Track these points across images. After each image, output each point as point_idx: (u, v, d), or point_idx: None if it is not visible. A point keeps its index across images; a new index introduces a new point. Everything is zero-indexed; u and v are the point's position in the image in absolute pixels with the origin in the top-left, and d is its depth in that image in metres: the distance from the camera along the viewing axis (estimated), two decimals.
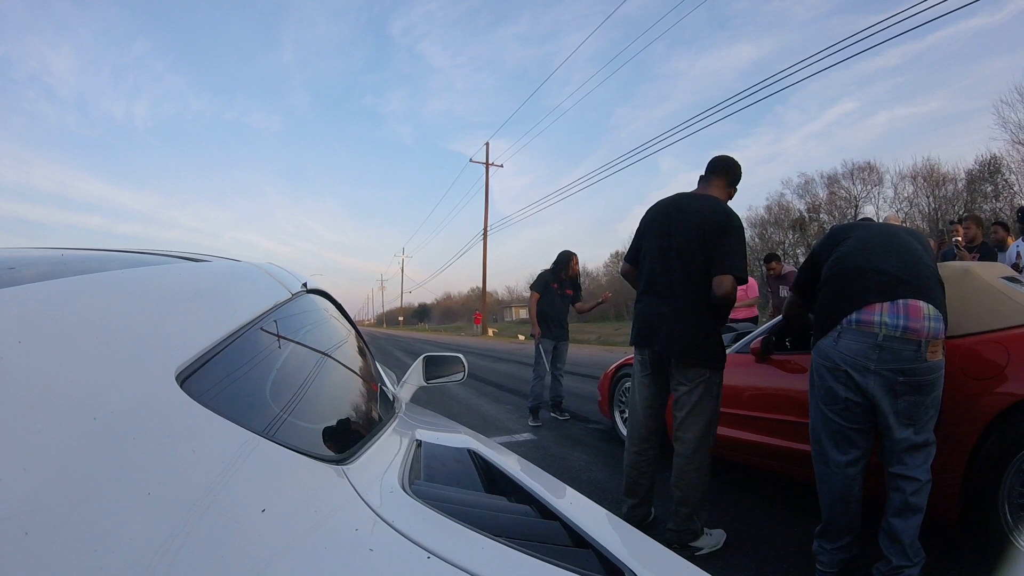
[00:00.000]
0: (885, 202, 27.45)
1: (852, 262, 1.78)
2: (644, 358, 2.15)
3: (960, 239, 4.49)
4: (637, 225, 2.28)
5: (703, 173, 2.23)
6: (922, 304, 1.64)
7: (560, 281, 4.55)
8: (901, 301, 1.65)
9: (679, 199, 2.14)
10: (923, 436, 1.65)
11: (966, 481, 1.75)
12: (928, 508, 1.67)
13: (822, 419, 1.79)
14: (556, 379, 4.57)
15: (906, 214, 25.73)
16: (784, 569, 1.88)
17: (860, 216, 26.81)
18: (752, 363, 2.65)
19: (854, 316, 1.69)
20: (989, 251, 4.51)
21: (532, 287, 4.62)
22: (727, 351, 2.95)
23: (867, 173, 28.25)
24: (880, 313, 1.65)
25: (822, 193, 30.01)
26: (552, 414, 4.59)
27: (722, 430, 2.75)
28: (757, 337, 2.70)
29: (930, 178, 25.93)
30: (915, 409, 1.63)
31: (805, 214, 30.41)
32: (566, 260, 4.58)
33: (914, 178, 26.51)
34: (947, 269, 1.96)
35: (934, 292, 1.69)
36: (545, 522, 0.55)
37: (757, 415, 2.58)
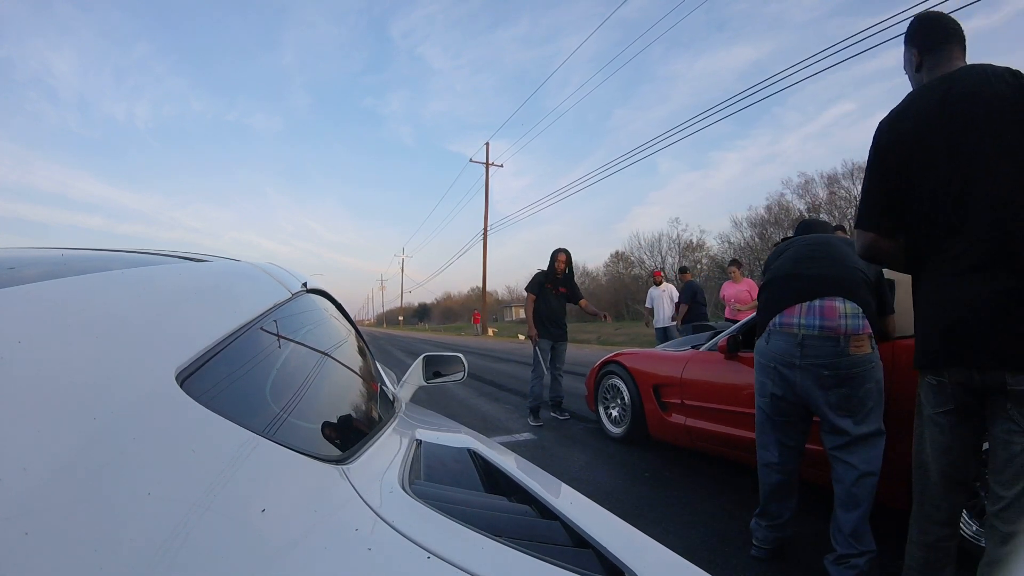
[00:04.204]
0: None
1: (782, 271, 1.96)
2: (947, 384, 1.23)
3: None
4: (872, 154, 1.35)
5: (941, 45, 1.34)
6: (838, 303, 1.76)
7: (554, 280, 4.56)
8: (817, 302, 1.79)
9: (966, 81, 1.23)
10: (865, 428, 1.73)
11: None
12: (885, 500, 1.77)
13: (759, 410, 1.99)
14: (555, 379, 4.58)
15: None
16: (783, 568, 1.88)
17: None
18: (722, 360, 2.79)
19: (777, 319, 1.87)
20: None
21: (527, 288, 4.64)
22: (701, 348, 3.06)
23: None
24: (799, 315, 1.81)
25: (822, 193, 30.10)
26: (552, 414, 4.59)
27: (698, 423, 2.91)
28: (725, 336, 2.84)
29: None
30: (847, 401, 1.74)
31: (805, 214, 30.43)
32: (552, 258, 4.60)
33: None
34: (901, 274, 2.07)
35: (856, 291, 1.78)
36: (545, 522, 0.55)
37: (728, 408, 2.70)
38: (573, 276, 4.70)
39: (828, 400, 1.75)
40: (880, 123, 1.36)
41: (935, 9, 1.46)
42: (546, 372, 4.52)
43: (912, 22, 1.42)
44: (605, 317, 5.04)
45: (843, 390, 1.72)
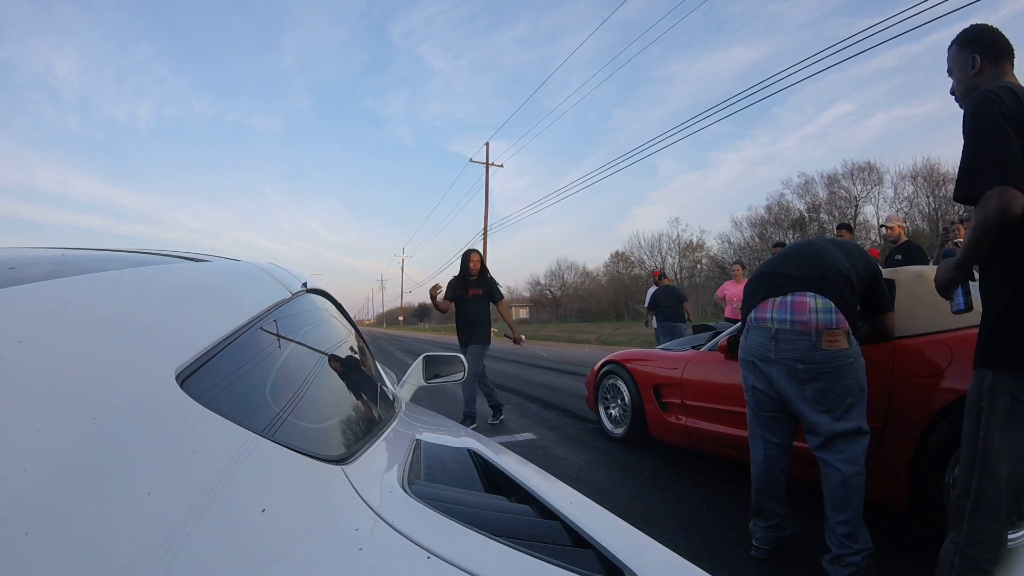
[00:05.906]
0: (885, 202, 27.50)
1: (762, 270, 2.02)
2: None
3: (962, 239, 4.50)
4: (997, 115, 1.24)
5: (1003, 59, 1.42)
6: (808, 298, 1.79)
7: (465, 284, 4.40)
8: (789, 297, 1.83)
9: None
10: (847, 424, 1.73)
11: (913, 471, 1.86)
12: (878, 497, 1.78)
13: (747, 407, 2.02)
14: (471, 390, 4.37)
15: (906, 214, 25.72)
16: (783, 568, 1.88)
17: (860, 216, 26.81)
18: (722, 360, 2.78)
19: (753, 314, 1.93)
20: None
21: (445, 298, 4.48)
22: (702, 349, 3.07)
23: (867, 173, 28.32)
24: (771, 310, 1.86)
25: (822, 193, 30.11)
26: (489, 421, 4.52)
27: (699, 423, 2.92)
28: (725, 336, 2.85)
29: (930, 178, 25.95)
30: (824, 396, 1.74)
31: (805, 214, 30.43)
32: (464, 259, 4.44)
33: (914, 178, 26.57)
34: (901, 274, 2.18)
35: (832, 288, 1.80)
36: (545, 522, 0.54)
37: (728, 408, 2.70)
38: (487, 275, 4.51)
39: (804, 395, 1.76)
40: (992, 91, 1.29)
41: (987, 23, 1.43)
42: (470, 375, 4.31)
43: (974, 30, 1.45)
44: (517, 340, 4.69)
45: (819, 384, 1.74)
